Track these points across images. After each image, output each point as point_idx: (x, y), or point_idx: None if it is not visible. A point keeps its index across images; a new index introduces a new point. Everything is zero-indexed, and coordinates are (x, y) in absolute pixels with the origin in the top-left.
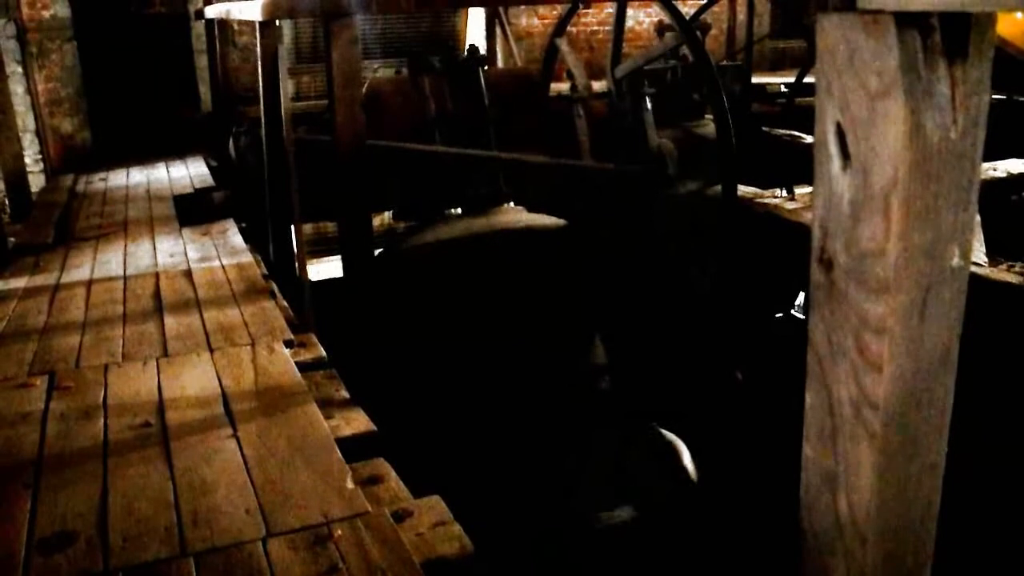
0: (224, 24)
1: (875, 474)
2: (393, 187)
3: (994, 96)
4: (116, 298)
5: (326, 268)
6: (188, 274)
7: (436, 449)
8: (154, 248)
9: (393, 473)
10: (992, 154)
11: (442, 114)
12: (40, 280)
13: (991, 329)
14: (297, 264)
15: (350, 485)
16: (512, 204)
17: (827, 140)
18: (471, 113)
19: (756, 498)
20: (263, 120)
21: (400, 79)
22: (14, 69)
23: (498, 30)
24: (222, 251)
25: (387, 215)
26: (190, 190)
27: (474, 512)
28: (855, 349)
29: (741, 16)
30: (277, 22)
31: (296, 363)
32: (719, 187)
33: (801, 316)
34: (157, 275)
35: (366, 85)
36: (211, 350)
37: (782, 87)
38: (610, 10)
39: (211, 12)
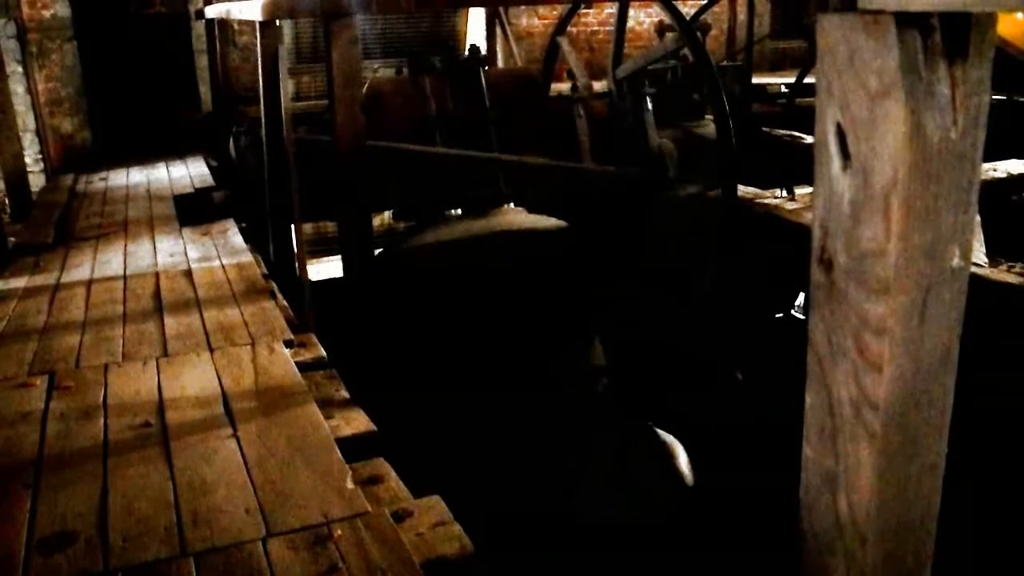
0: (224, 24)
1: (875, 474)
2: (393, 187)
3: (994, 96)
4: (116, 298)
5: (326, 268)
6: (188, 274)
7: (436, 449)
8: (154, 248)
9: (393, 473)
10: (992, 154)
11: (442, 114)
12: (40, 280)
13: (991, 329)
14: (297, 264)
15: (350, 485)
16: (512, 205)
17: (827, 140)
18: (471, 113)
19: (756, 498)
20: (263, 120)
21: (400, 79)
22: (14, 69)
23: (498, 30)
24: (222, 251)
25: (387, 215)
26: (190, 190)
27: (474, 512)
28: (855, 349)
29: (741, 16)
30: (277, 22)
31: (296, 363)
32: (719, 188)
33: (801, 316)
34: (157, 275)
35: (366, 85)
36: (211, 350)
37: (782, 87)
38: (610, 10)
39: (211, 12)
